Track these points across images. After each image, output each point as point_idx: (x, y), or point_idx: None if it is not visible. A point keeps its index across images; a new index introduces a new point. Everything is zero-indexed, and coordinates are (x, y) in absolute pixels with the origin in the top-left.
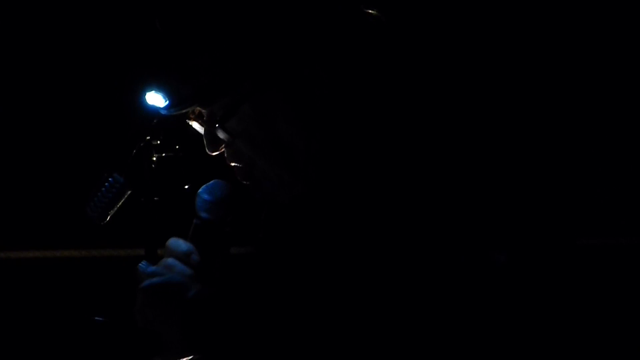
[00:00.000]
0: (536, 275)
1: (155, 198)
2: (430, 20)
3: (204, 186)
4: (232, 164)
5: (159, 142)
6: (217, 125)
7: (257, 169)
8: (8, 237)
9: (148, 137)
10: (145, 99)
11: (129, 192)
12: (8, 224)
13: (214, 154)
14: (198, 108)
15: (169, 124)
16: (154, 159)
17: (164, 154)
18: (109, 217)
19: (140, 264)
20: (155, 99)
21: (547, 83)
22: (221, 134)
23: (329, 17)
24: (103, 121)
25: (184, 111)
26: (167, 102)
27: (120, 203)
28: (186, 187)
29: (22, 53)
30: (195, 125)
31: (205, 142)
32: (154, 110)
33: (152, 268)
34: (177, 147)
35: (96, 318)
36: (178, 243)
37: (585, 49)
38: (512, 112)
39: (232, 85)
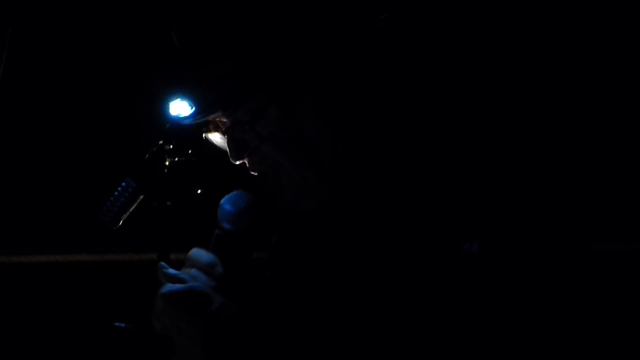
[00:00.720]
0: (510, 266)
1: (168, 203)
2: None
3: (226, 197)
4: (255, 173)
5: (171, 146)
6: (245, 129)
7: (283, 174)
8: (21, 241)
9: (161, 142)
10: (168, 109)
11: (142, 196)
12: (21, 228)
13: (238, 162)
14: (218, 118)
15: (182, 129)
16: (167, 163)
17: (176, 159)
18: (121, 222)
19: (161, 263)
20: (179, 107)
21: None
22: (248, 139)
23: (351, 17)
24: (116, 126)
25: (210, 118)
26: (193, 109)
27: (132, 207)
28: (199, 192)
29: (40, 55)
30: (215, 137)
31: (229, 151)
32: (177, 119)
33: (174, 271)
34: (189, 151)
35: (116, 324)
36: (201, 254)
37: (592, 51)
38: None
39: (258, 88)
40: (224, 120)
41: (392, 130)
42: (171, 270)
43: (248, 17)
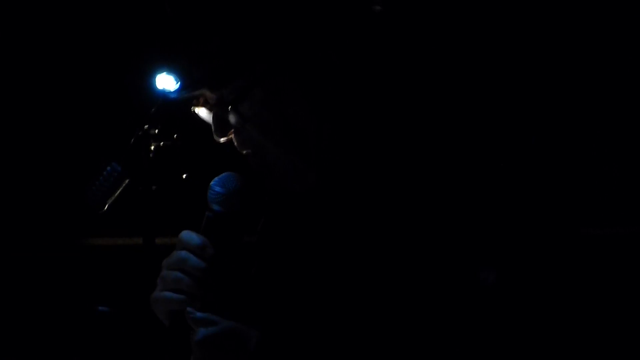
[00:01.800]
0: (525, 294)
1: (153, 187)
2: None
3: (215, 178)
4: (244, 152)
5: (157, 130)
6: (229, 109)
7: (270, 156)
8: (4, 229)
9: (146, 126)
10: (155, 82)
11: (127, 180)
12: (6, 215)
13: (222, 140)
14: (206, 93)
15: (167, 113)
16: (152, 147)
17: (162, 143)
18: (107, 206)
19: (188, 309)
20: (166, 81)
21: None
22: (232, 118)
23: (343, 4)
24: (101, 110)
25: (194, 94)
26: (179, 84)
27: (118, 191)
28: (184, 176)
29: (22, 36)
30: (202, 112)
31: (213, 128)
32: (164, 93)
33: (201, 314)
34: (175, 135)
35: (100, 308)
36: (191, 236)
37: (583, 47)
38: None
39: (244, 68)
40: (211, 96)
41: (379, 122)
42: (199, 314)
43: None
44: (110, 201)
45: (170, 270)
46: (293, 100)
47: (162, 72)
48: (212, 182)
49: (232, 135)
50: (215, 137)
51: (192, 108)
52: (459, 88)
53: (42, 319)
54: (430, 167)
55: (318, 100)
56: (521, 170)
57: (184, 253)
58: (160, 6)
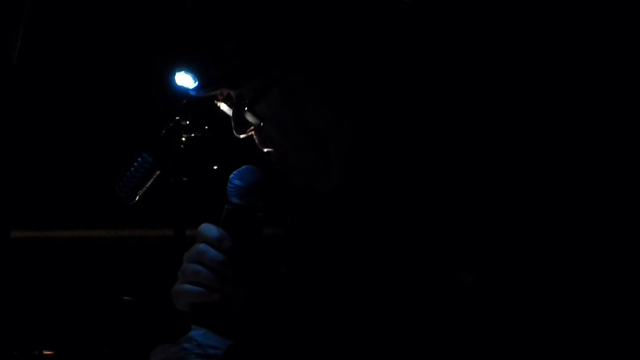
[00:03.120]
0: (504, 295)
1: (184, 178)
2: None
3: (235, 172)
4: (265, 150)
5: (188, 122)
6: (245, 109)
7: (291, 155)
8: (38, 216)
9: (177, 118)
10: (174, 80)
11: (158, 172)
12: (38, 203)
13: (242, 136)
14: (227, 90)
15: (198, 105)
16: (183, 139)
17: (193, 135)
18: (137, 197)
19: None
20: (184, 79)
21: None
22: (250, 118)
23: (361, 6)
24: (133, 101)
25: (212, 93)
26: (196, 83)
27: (149, 183)
28: (215, 167)
29: (52, 31)
30: (224, 107)
31: (233, 124)
32: (183, 91)
33: None
34: (206, 127)
35: (125, 298)
36: (210, 228)
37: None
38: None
39: (261, 69)
40: (232, 93)
41: (396, 122)
42: None
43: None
44: (141, 192)
45: (189, 263)
46: (311, 100)
47: (181, 70)
48: (231, 176)
49: (251, 133)
50: (234, 133)
51: (216, 102)
52: (472, 90)
53: (72, 309)
54: (448, 167)
55: (336, 101)
56: (523, 171)
57: (202, 246)
58: (181, 5)
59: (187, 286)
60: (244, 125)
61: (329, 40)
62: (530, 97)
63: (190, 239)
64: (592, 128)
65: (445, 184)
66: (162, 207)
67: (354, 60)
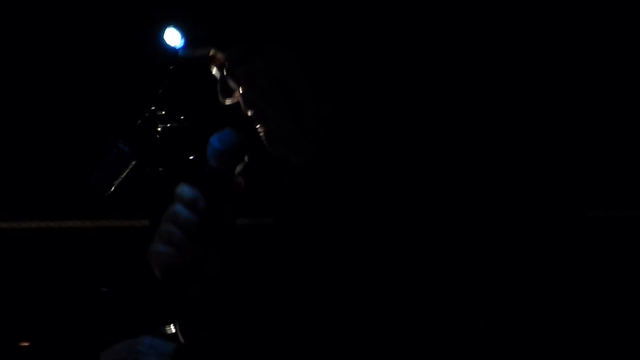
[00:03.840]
0: (517, 338)
1: (160, 169)
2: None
3: (215, 134)
4: (248, 113)
5: (164, 112)
6: (224, 72)
7: (269, 122)
8: (12, 207)
9: (153, 108)
10: (163, 37)
11: (134, 162)
12: (12, 194)
13: (227, 102)
14: (214, 53)
15: (174, 95)
16: (159, 129)
17: (169, 125)
18: (113, 188)
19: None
20: (173, 37)
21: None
22: (230, 81)
23: None
24: (108, 91)
25: (197, 53)
26: (183, 41)
27: (125, 173)
28: (191, 157)
29: (24, 14)
30: (215, 72)
31: (218, 88)
32: (172, 49)
33: None
34: (182, 117)
35: (102, 289)
36: (185, 189)
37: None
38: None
39: (246, 32)
40: (219, 57)
41: (378, 105)
42: None
43: None
44: (116, 183)
45: (163, 223)
46: (290, 71)
47: (169, 27)
48: (211, 138)
49: (235, 99)
50: (220, 98)
51: (210, 67)
52: (464, 92)
53: (48, 300)
54: (428, 158)
55: (316, 76)
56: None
57: (177, 206)
58: None
59: (160, 246)
60: (227, 90)
61: (315, 13)
62: (524, 94)
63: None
64: (591, 129)
65: (425, 174)
66: (137, 197)
67: (338, 38)
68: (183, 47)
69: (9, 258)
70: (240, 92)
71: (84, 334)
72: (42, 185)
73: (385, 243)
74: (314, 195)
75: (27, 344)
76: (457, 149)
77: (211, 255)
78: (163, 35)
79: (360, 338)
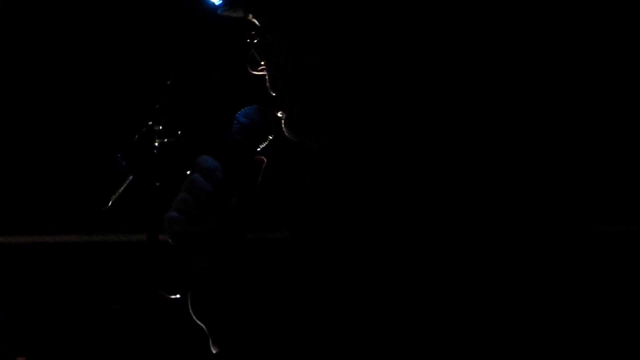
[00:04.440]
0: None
1: (157, 183)
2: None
3: (242, 110)
4: (272, 93)
5: (161, 127)
6: (249, 40)
7: (286, 104)
8: (9, 222)
9: (150, 122)
10: None
11: (131, 177)
12: (9, 208)
13: (254, 73)
14: (248, 17)
15: (171, 109)
16: (156, 144)
17: (166, 140)
18: (110, 202)
19: None
20: None
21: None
22: (255, 52)
23: None
24: (106, 107)
25: (232, 14)
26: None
27: (122, 188)
28: (188, 172)
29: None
30: (247, 40)
31: (248, 58)
32: (213, 5)
33: None
34: (179, 132)
35: (113, 306)
36: (206, 159)
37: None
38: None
39: (275, 5)
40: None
41: (394, 104)
42: None
43: None
44: (114, 197)
45: (181, 191)
46: (311, 57)
47: None
48: (238, 113)
49: (261, 73)
50: (248, 68)
51: (250, 38)
52: (472, 85)
53: (47, 315)
54: (441, 159)
55: (336, 68)
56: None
57: (195, 175)
58: None
59: (174, 213)
60: (254, 62)
61: (343, 7)
62: (525, 94)
63: (163, 243)
64: (591, 128)
65: (438, 175)
66: (135, 212)
67: (361, 35)
68: (222, 4)
69: (5, 273)
70: (265, 68)
71: (89, 347)
72: (40, 199)
73: (394, 240)
74: (334, 193)
75: (23, 359)
76: (470, 145)
77: (224, 230)
78: None
79: (361, 336)
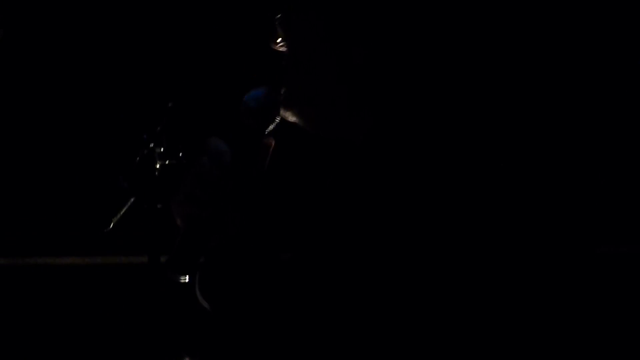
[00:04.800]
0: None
1: (159, 205)
2: None
3: (250, 92)
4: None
5: (162, 149)
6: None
7: (295, 87)
8: (10, 243)
9: (152, 145)
10: None
11: (133, 199)
12: (10, 230)
13: (273, 47)
14: None
15: (172, 132)
16: (158, 166)
17: (167, 162)
18: (112, 224)
19: None
20: None
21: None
22: (277, 28)
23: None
24: (108, 128)
25: None
26: None
27: (124, 210)
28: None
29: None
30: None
31: (270, 33)
32: None
33: None
34: (180, 154)
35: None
36: (216, 142)
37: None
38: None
39: None
40: None
41: (398, 114)
42: None
43: None
44: (116, 219)
45: (190, 175)
46: (320, 50)
47: None
48: (245, 97)
49: (280, 48)
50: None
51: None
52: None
53: (48, 337)
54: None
55: (343, 65)
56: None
57: (203, 158)
58: None
59: (182, 195)
60: (274, 35)
61: (352, 8)
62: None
63: (163, 265)
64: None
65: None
66: (136, 233)
67: (369, 37)
68: None
69: (6, 295)
70: (283, 44)
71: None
72: (42, 221)
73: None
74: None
75: None
76: (474, 147)
77: (233, 211)
78: None
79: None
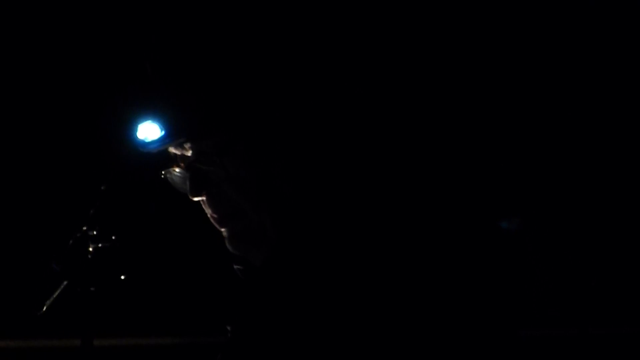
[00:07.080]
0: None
1: (92, 288)
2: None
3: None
4: (211, 214)
5: (95, 232)
6: (215, 159)
7: (239, 221)
8: None
9: (85, 228)
10: (136, 132)
11: (65, 282)
12: None
13: (196, 199)
14: (184, 150)
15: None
16: (91, 249)
17: (100, 245)
18: (45, 307)
19: None
20: (148, 131)
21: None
22: (214, 171)
23: (324, 66)
24: (40, 210)
25: (175, 144)
26: (162, 133)
27: (56, 293)
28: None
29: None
30: (176, 175)
31: (189, 186)
32: (144, 143)
33: None
34: (113, 237)
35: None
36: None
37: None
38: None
39: (228, 122)
40: (188, 154)
41: (357, 183)
42: None
43: (221, 54)
44: (48, 303)
45: None
46: (274, 159)
47: (145, 121)
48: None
49: (205, 197)
50: (190, 196)
51: (164, 174)
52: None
53: None
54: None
55: (298, 162)
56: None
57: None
58: (144, 56)
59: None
60: (202, 185)
61: (295, 100)
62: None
63: (97, 349)
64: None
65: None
66: (69, 317)
67: (318, 121)
68: (160, 139)
69: None
70: (215, 189)
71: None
72: None
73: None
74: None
75: None
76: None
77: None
78: (137, 128)
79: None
